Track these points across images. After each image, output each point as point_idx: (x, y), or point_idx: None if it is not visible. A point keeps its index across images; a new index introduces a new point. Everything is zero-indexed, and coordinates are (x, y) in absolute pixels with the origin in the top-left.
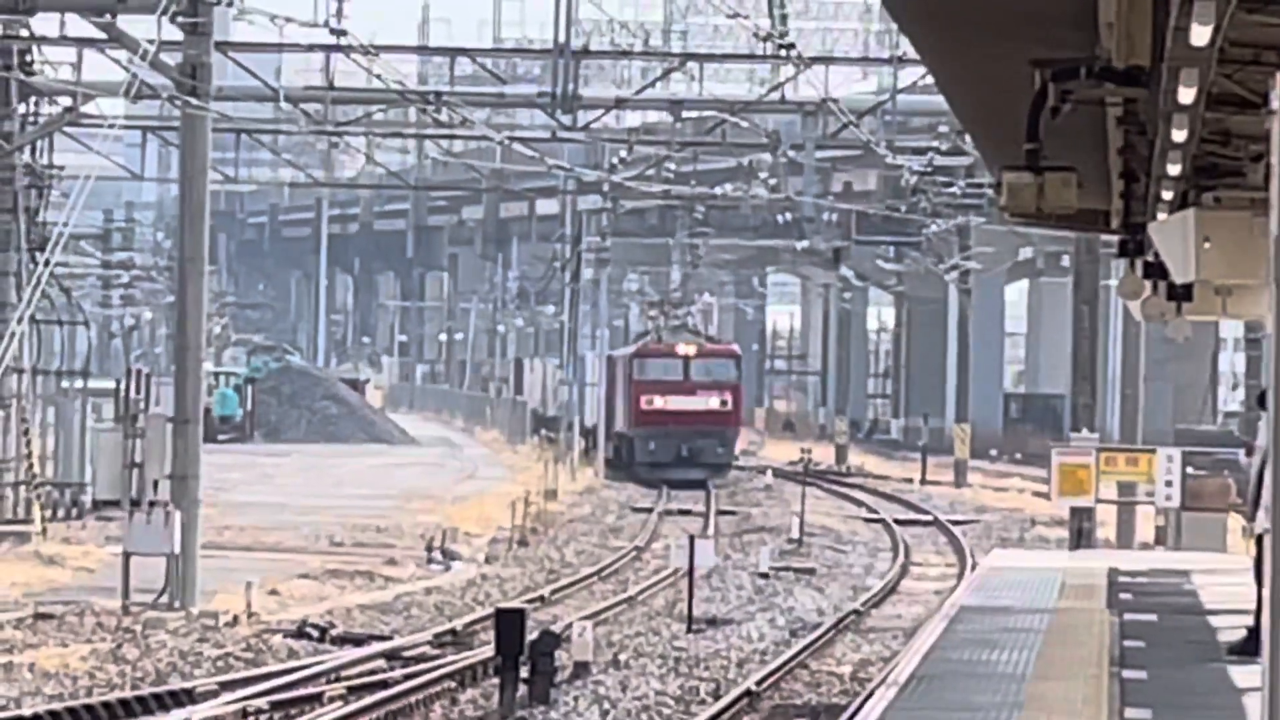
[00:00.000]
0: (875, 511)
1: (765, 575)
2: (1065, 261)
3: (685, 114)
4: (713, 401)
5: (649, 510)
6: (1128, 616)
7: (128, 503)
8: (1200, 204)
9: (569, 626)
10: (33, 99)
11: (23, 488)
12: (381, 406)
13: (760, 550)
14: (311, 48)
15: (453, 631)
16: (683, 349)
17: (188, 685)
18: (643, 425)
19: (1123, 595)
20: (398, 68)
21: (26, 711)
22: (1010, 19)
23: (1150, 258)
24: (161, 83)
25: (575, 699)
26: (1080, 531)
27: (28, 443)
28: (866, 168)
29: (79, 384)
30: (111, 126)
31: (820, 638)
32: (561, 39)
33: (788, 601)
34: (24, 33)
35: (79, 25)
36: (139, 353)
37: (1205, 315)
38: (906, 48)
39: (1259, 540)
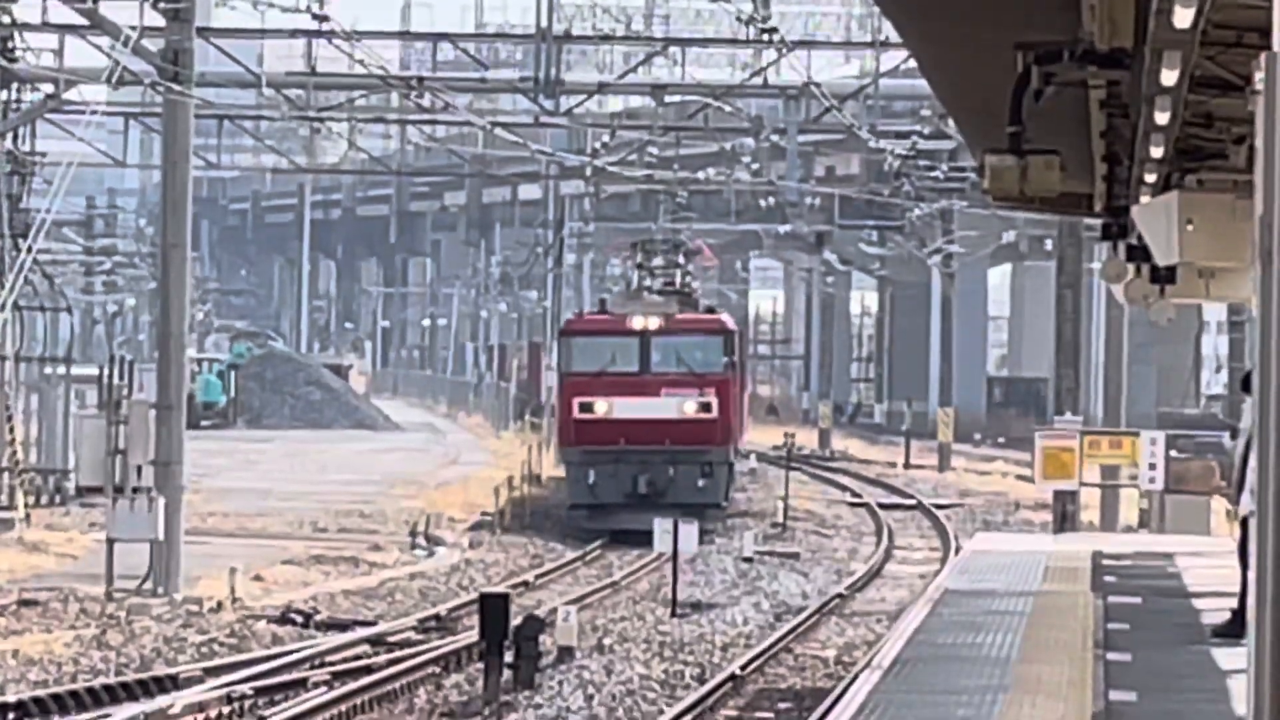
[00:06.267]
0: (859, 496)
1: (749, 560)
2: (1048, 245)
3: (668, 99)
4: (688, 405)
5: None
6: (1112, 599)
7: (111, 489)
8: (1183, 187)
9: (553, 611)
10: (15, 85)
11: (6, 474)
12: (365, 392)
13: (744, 535)
14: (293, 33)
15: (437, 617)
16: (639, 320)
17: (172, 671)
18: (575, 444)
19: (1107, 578)
20: (380, 53)
21: (10, 698)
22: (993, 2)
23: (1133, 241)
24: (143, 69)
25: (560, 684)
26: (1064, 515)
27: (11, 429)
28: (849, 152)
29: (62, 370)
30: (94, 113)
31: (804, 622)
32: (544, 24)
33: (772, 586)
34: (6, 19)
35: (61, 11)
36: (122, 339)
37: (1188, 298)
38: (889, 31)
39: (1243, 523)
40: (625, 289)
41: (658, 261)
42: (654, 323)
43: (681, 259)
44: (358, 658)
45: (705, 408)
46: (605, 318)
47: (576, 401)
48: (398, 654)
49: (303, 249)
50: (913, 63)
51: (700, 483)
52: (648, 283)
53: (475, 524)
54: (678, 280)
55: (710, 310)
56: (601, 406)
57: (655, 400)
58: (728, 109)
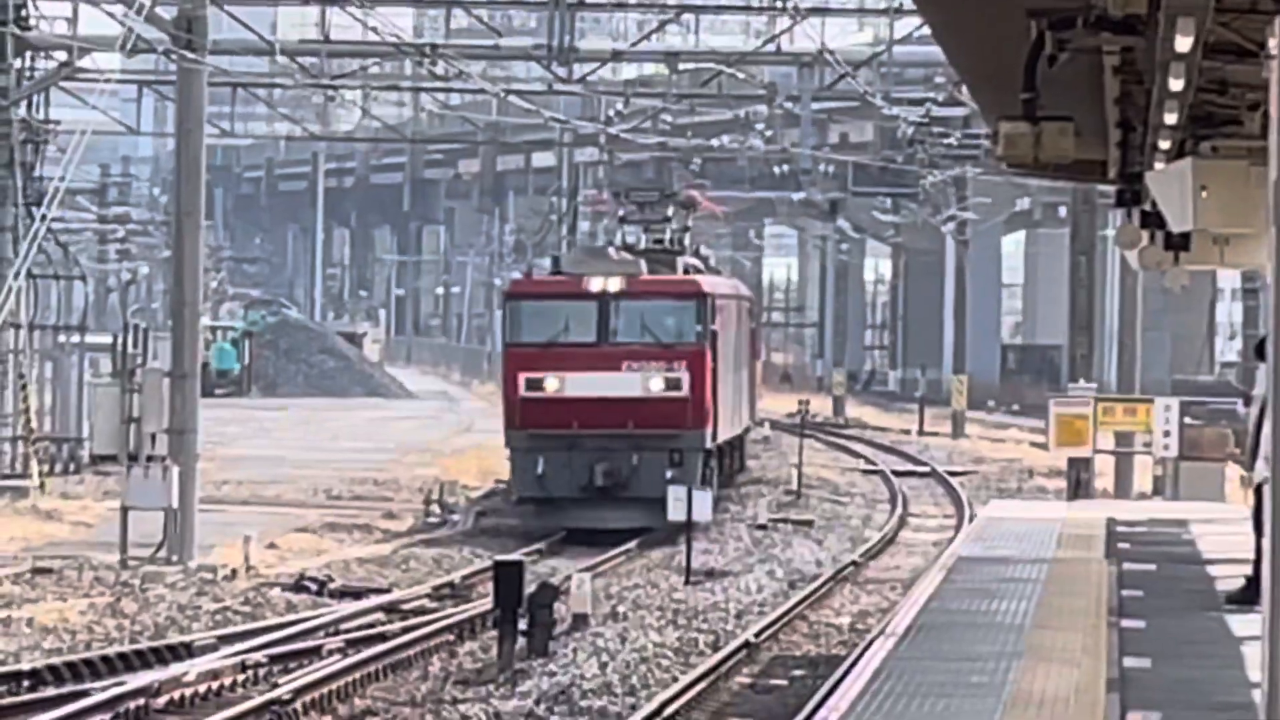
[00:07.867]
0: (873, 463)
1: (763, 527)
2: (1062, 212)
3: (682, 66)
4: (654, 381)
5: None
6: (1126, 566)
7: (125, 457)
8: (1197, 153)
9: (567, 579)
10: (29, 54)
11: (20, 443)
12: (379, 360)
13: (758, 502)
14: (307, 1)
15: (451, 584)
16: (597, 282)
17: (186, 639)
18: (521, 427)
19: (1121, 545)
20: (393, 20)
21: (25, 666)
22: None
23: (1147, 207)
24: (157, 37)
25: (574, 651)
26: (1078, 482)
27: (25, 398)
28: (863, 119)
29: (76, 339)
30: (108, 81)
31: (819, 589)
32: None
33: (786, 553)
34: None
35: None
36: (136, 307)
37: (1203, 265)
38: None
39: (1257, 490)
40: (616, 248)
41: (648, 214)
42: (615, 284)
43: (670, 211)
44: (372, 625)
45: (674, 384)
46: (558, 279)
47: (523, 377)
48: (412, 622)
49: (317, 217)
50: (926, 29)
51: (669, 473)
52: (630, 239)
53: (489, 491)
54: (667, 236)
55: (687, 271)
56: (552, 383)
57: (615, 376)
58: (741, 76)
